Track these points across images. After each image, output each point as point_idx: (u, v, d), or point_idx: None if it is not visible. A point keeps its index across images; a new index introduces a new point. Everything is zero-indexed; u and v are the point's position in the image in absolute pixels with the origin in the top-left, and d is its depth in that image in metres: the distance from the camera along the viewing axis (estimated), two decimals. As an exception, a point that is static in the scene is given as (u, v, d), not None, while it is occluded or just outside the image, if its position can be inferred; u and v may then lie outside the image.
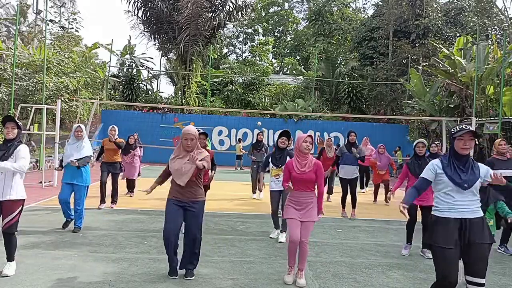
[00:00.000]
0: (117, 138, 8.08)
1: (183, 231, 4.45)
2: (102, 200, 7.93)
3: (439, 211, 3.24)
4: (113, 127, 8.14)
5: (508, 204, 4.78)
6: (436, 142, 7.75)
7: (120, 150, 8.21)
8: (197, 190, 4.32)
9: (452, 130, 3.27)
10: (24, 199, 4.31)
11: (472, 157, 3.31)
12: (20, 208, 4.23)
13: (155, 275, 4.34)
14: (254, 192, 9.99)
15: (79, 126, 6.25)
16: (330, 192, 10.11)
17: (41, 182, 10.71)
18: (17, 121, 4.21)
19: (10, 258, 4.22)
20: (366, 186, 12.30)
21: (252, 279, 4.35)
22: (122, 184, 9.36)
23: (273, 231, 6.30)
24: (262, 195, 9.69)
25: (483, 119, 14.84)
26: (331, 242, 6.11)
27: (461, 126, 3.23)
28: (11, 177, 4.13)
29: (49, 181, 10.89)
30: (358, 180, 10.96)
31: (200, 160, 4.16)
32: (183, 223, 4.34)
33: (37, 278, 4.10)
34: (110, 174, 7.99)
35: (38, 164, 14.66)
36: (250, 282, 4.28)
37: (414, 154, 5.85)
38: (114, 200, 8.07)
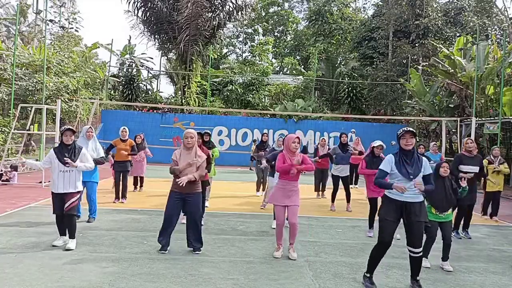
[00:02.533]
0: (128, 139, 8.62)
1: (182, 222, 5.87)
2: (117, 197, 8.53)
3: (390, 193, 4.18)
4: (124, 128, 8.73)
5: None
6: (433, 143, 8.49)
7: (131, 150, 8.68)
8: (195, 184, 5.14)
9: (397, 132, 4.19)
10: (81, 190, 5.38)
11: (417, 152, 4.19)
12: (78, 196, 5.29)
13: (155, 275, 4.34)
14: (258, 190, 10.23)
15: (90, 127, 6.86)
16: (323, 189, 10.46)
17: (40, 182, 10.71)
18: (74, 130, 5.28)
19: (72, 236, 5.18)
20: (356, 183, 12.84)
21: (252, 279, 4.36)
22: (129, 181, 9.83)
23: (274, 222, 6.54)
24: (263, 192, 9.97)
25: (483, 119, 14.84)
26: (331, 242, 6.11)
27: (402, 129, 4.15)
28: (74, 175, 5.18)
29: (49, 181, 10.87)
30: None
31: (197, 168, 5.11)
32: (187, 212, 5.22)
33: (37, 278, 4.10)
34: (121, 172, 8.53)
35: (38, 164, 14.64)
36: (250, 282, 4.28)
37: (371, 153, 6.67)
38: (124, 195, 8.61)
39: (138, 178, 10.40)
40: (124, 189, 8.62)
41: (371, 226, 6.67)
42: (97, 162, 6.45)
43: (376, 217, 6.45)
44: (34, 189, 10.13)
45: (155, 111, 20.19)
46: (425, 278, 4.59)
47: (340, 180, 8.67)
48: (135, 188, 10.35)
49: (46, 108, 13.51)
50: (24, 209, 7.58)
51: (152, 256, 5.00)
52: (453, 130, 16.29)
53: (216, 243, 5.70)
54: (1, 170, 11.30)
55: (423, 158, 4.21)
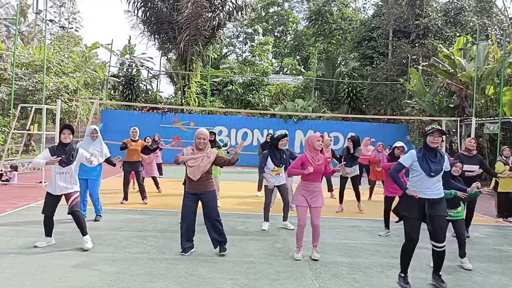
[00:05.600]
0: (138, 140, 8.53)
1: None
2: (125, 198, 8.44)
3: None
4: (134, 128, 8.63)
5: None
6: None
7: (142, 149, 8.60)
8: (208, 183, 5.09)
9: (425, 128, 4.25)
10: (78, 190, 5.35)
11: (439, 150, 4.25)
12: (77, 194, 5.28)
13: (155, 275, 4.34)
14: (259, 190, 10.30)
15: (95, 128, 6.82)
16: (330, 189, 10.47)
17: (40, 182, 10.71)
18: (73, 128, 5.23)
19: (83, 232, 5.18)
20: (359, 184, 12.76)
21: (252, 279, 4.36)
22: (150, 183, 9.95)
23: (264, 224, 6.77)
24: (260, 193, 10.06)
25: (483, 119, 14.82)
26: (331, 242, 6.11)
27: (432, 126, 4.21)
28: (71, 176, 5.19)
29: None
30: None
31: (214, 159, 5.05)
32: (203, 212, 5.15)
33: (37, 278, 4.10)
34: (133, 173, 8.49)
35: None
36: (250, 282, 4.28)
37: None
38: (144, 196, 8.55)
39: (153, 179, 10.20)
40: (142, 190, 8.52)
41: (387, 225, 6.71)
42: (109, 162, 6.67)
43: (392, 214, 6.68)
44: (34, 189, 10.13)
45: (155, 111, 20.18)
46: (424, 278, 4.59)
47: (346, 180, 8.64)
48: (158, 188, 10.11)
49: (46, 108, 13.51)
50: (24, 209, 7.58)
51: (152, 256, 5.00)
52: (453, 130, 16.29)
53: (216, 243, 5.70)
54: (1, 170, 11.30)
55: (445, 155, 4.26)
